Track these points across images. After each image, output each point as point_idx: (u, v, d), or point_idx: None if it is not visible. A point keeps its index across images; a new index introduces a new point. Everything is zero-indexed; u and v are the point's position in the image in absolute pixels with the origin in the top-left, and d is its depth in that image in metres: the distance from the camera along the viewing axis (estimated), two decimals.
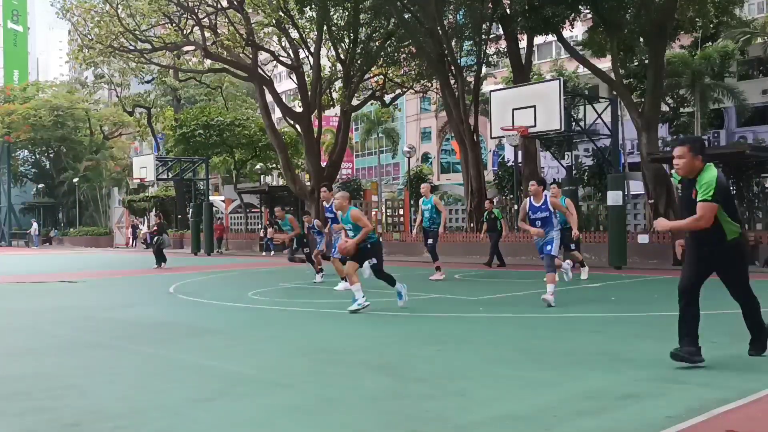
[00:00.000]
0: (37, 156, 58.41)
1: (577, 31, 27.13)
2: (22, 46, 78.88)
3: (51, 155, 56.73)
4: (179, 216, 40.43)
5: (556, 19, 20.19)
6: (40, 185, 57.83)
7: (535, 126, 16.95)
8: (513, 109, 17.34)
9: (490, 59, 26.55)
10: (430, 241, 13.52)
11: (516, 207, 20.96)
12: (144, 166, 32.76)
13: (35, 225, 48.88)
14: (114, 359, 6.09)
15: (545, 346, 6.37)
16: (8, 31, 77.02)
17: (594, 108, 18.24)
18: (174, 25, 26.22)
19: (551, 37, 27.09)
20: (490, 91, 19.55)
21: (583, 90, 30.01)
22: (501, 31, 23.96)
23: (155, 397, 4.65)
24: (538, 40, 27.30)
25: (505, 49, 24.16)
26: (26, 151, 56.16)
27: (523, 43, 23.32)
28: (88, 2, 26.54)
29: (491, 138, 23.30)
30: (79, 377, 5.34)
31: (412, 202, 25.00)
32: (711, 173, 4.94)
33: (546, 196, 9.23)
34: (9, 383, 5.17)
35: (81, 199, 53.86)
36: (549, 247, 9.05)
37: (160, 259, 19.55)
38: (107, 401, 4.57)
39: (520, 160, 21.65)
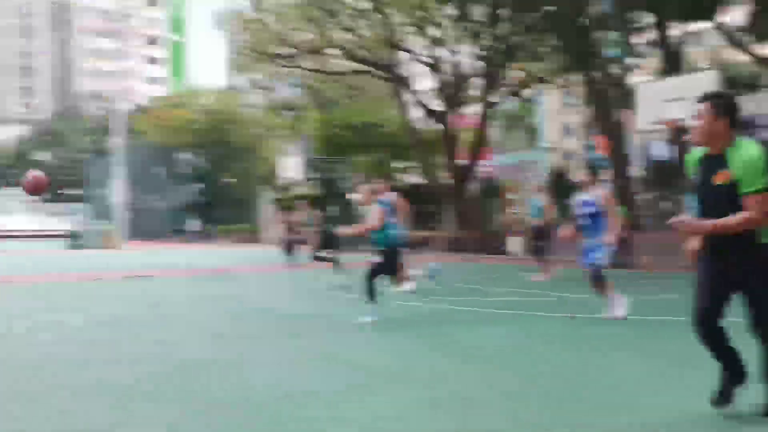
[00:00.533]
0: (196, 158, 62.96)
1: (736, 16, 25.18)
2: (182, 55, 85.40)
3: (208, 157, 60.94)
4: (324, 214, 41.91)
5: (712, 4, 18.87)
6: (199, 185, 62.24)
7: (686, 120, 15.94)
8: (662, 102, 16.44)
9: (638, 50, 25.25)
10: None
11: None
12: (291, 167, 34.38)
13: (194, 222, 52.60)
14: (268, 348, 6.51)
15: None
16: (172, 42, 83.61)
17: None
18: (318, 29, 27.27)
19: (707, 24, 25.34)
20: (638, 83, 18.63)
21: (744, 79, 27.81)
22: (650, 20, 22.74)
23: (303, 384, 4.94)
24: (692, 27, 25.62)
25: (655, 39, 22.91)
26: (187, 154, 60.71)
27: (674, 31, 21.97)
28: (242, 13, 28.30)
29: (637, 132, 22.22)
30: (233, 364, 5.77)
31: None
32: (753, 150, 3.51)
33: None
34: (188, 366, 5.66)
35: (235, 198, 57.43)
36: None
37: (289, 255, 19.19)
38: (258, 384, 4.91)
39: (669, 154, 20.47)
